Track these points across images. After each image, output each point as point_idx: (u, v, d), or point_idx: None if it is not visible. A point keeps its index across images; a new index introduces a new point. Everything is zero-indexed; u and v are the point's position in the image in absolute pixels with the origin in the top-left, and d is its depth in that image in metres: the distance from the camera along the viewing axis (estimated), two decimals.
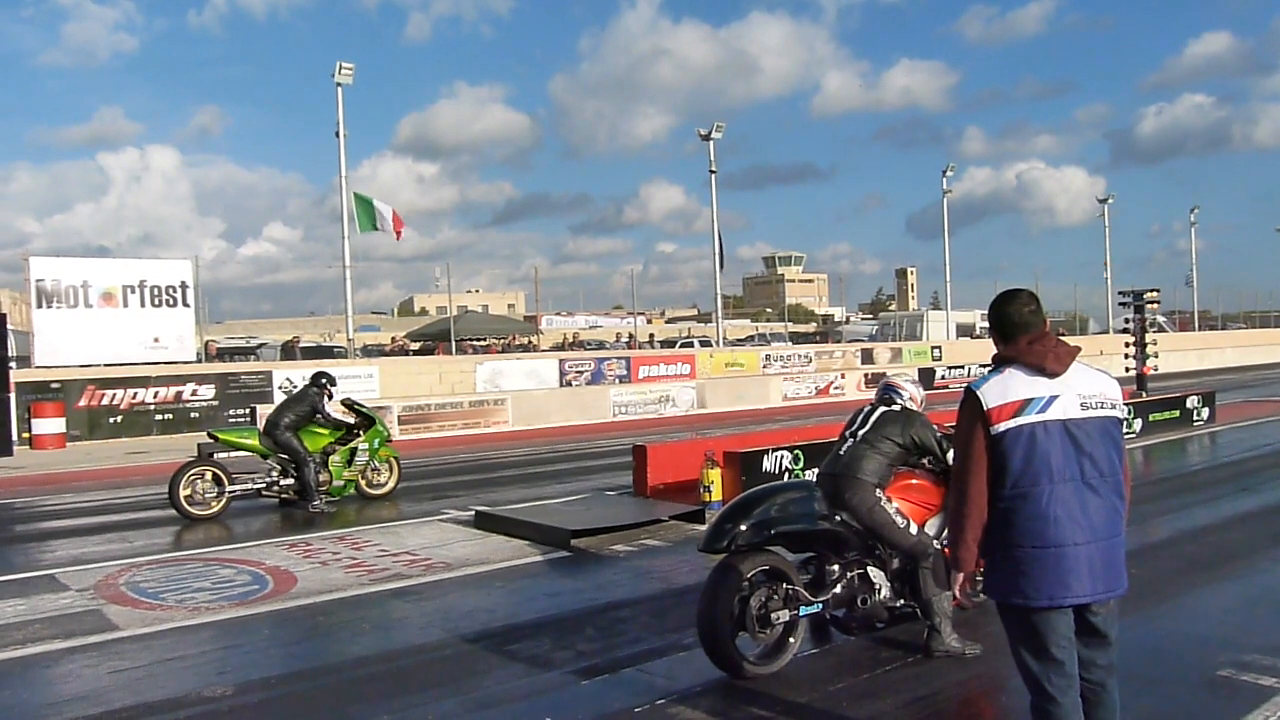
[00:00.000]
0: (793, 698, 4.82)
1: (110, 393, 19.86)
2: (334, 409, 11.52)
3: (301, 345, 30.32)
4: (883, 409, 5.51)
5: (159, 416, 20.31)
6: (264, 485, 10.99)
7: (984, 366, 3.50)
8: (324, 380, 11.47)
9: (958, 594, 3.52)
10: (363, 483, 11.64)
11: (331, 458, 11.30)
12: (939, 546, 5.26)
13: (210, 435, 11.56)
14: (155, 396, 20.32)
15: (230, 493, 10.72)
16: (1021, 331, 3.40)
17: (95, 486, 13.92)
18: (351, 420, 11.56)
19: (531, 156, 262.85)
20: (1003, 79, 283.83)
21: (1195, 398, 17.38)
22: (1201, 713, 4.55)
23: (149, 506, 11.77)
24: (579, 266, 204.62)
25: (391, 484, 11.95)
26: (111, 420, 19.82)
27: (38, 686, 5.43)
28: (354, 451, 11.48)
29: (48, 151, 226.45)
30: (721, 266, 33.65)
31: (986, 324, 3.59)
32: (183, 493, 10.46)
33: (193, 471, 10.63)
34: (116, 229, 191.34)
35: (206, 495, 10.58)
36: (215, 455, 10.96)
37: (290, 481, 11.02)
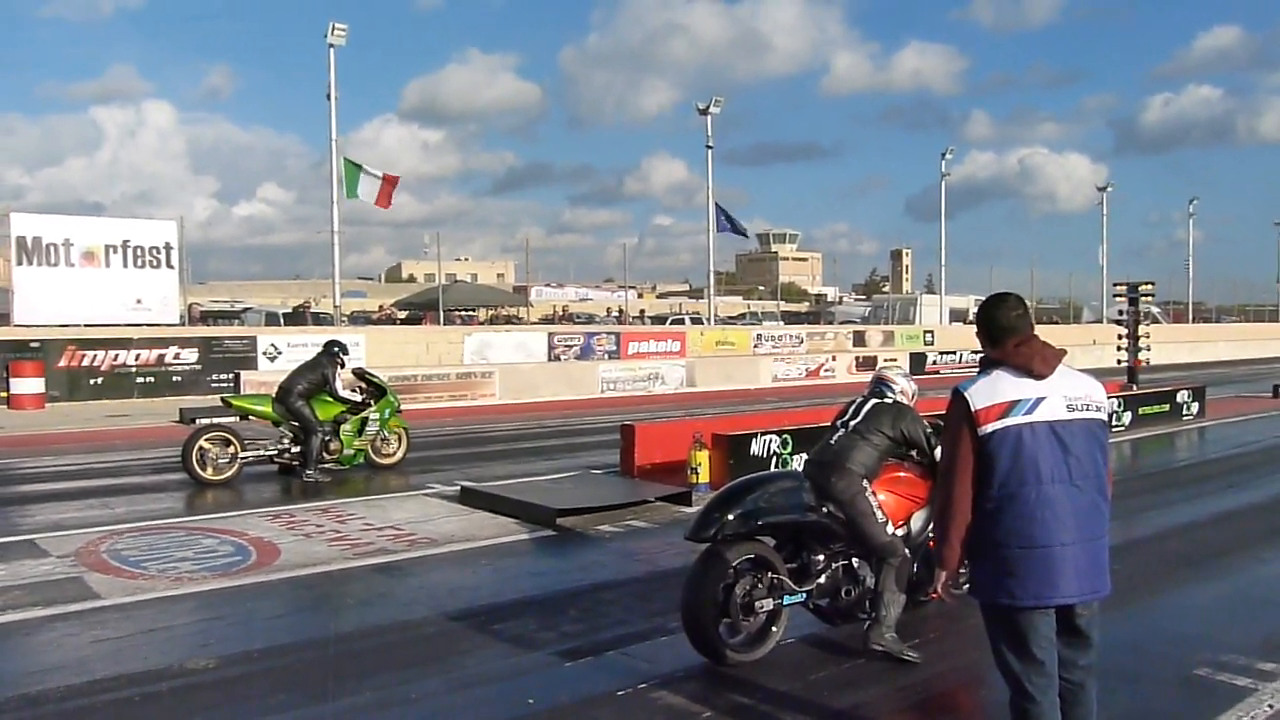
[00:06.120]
0: (774, 685, 4.85)
1: (91, 354, 19.69)
2: (345, 378, 11.53)
3: (284, 313, 30.14)
4: (874, 401, 5.52)
5: (140, 379, 20.17)
6: (276, 452, 11.02)
7: (976, 353, 3.54)
8: (336, 349, 11.45)
9: (940, 590, 3.54)
10: (372, 452, 11.68)
11: (343, 426, 11.33)
12: (924, 538, 5.29)
13: (224, 401, 11.65)
14: (137, 359, 20.16)
15: (243, 459, 10.72)
16: (1009, 335, 3.43)
17: (75, 449, 13.82)
18: (358, 399, 11.56)
19: (537, 127, 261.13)
20: (1013, 65, 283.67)
21: (1185, 392, 17.43)
22: (1176, 712, 4.60)
23: (130, 472, 11.73)
24: (575, 237, 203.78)
25: (400, 454, 12.02)
26: (92, 382, 19.67)
27: (19, 654, 5.42)
28: (365, 421, 11.52)
29: (53, 105, 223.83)
30: (744, 234, 34.08)
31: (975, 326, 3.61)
32: (196, 457, 10.44)
33: (207, 436, 10.62)
34: (109, 185, 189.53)
35: (220, 460, 10.57)
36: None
37: (300, 449, 11.02)
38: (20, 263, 19.54)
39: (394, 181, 25.14)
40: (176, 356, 20.63)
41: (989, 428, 3.28)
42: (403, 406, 12.56)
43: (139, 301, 20.82)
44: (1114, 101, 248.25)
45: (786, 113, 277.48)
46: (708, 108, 32.11)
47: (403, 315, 36.60)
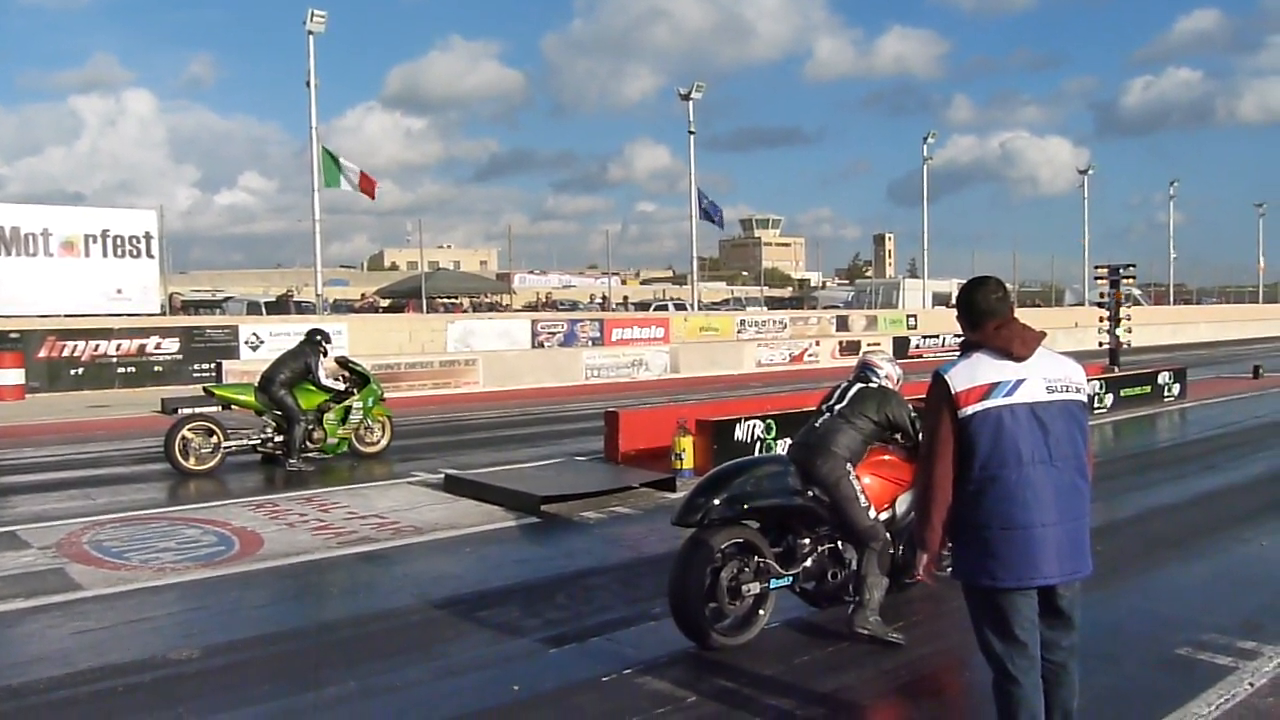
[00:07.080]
0: (759, 670, 4.86)
1: (71, 344, 19.49)
2: (328, 366, 11.47)
3: (266, 301, 29.99)
4: (859, 386, 5.54)
5: (121, 369, 19.99)
6: (259, 441, 10.96)
7: (958, 337, 3.58)
8: (319, 337, 11.40)
9: (922, 573, 3.55)
10: (355, 441, 11.65)
11: (326, 415, 11.28)
12: (909, 521, 5.31)
13: (206, 390, 11.57)
14: (118, 349, 19.98)
15: (226, 448, 10.66)
16: (989, 318, 3.44)
17: (56, 440, 13.70)
18: (341, 387, 11.50)
19: (520, 114, 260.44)
20: (995, 49, 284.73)
21: (1167, 373, 17.51)
22: (1159, 692, 4.62)
23: (112, 462, 11.64)
24: (558, 224, 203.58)
25: (384, 442, 11.99)
26: (72, 372, 19.49)
27: (0, 646, 5.36)
28: (348, 410, 11.47)
29: (33, 94, 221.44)
30: (721, 225, 34.09)
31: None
32: (178, 447, 10.38)
33: (189, 426, 10.55)
34: (90, 174, 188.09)
35: (202, 450, 10.51)
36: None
37: (283, 438, 10.97)
38: None
39: (370, 183, 24.95)
40: (158, 346, 20.45)
41: (969, 410, 3.29)
42: (386, 395, 12.51)
43: (119, 291, 20.62)
44: (1094, 85, 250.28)
45: (769, 98, 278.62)
46: (689, 93, 32.01)
47: (385, 303, 36.50)
